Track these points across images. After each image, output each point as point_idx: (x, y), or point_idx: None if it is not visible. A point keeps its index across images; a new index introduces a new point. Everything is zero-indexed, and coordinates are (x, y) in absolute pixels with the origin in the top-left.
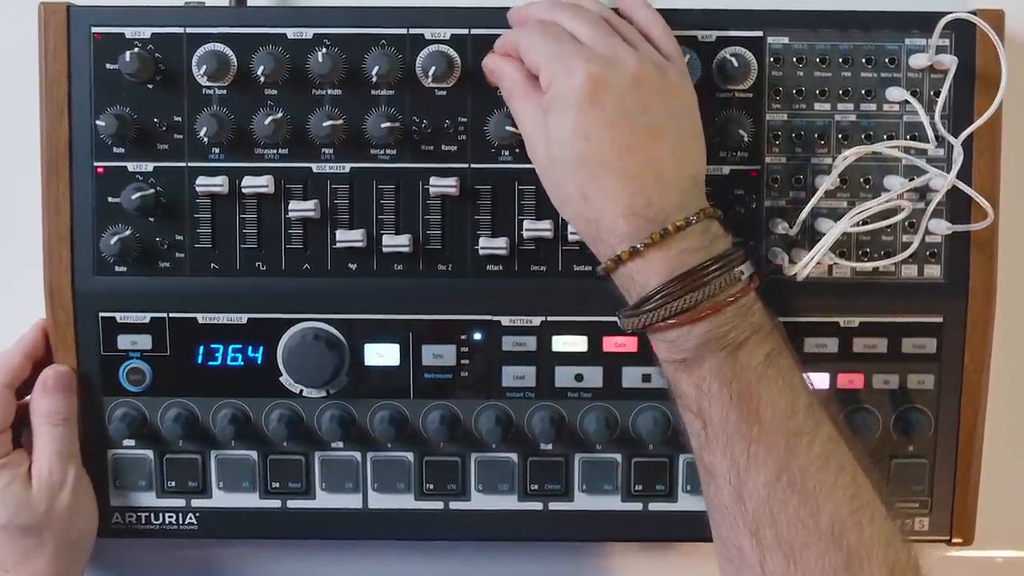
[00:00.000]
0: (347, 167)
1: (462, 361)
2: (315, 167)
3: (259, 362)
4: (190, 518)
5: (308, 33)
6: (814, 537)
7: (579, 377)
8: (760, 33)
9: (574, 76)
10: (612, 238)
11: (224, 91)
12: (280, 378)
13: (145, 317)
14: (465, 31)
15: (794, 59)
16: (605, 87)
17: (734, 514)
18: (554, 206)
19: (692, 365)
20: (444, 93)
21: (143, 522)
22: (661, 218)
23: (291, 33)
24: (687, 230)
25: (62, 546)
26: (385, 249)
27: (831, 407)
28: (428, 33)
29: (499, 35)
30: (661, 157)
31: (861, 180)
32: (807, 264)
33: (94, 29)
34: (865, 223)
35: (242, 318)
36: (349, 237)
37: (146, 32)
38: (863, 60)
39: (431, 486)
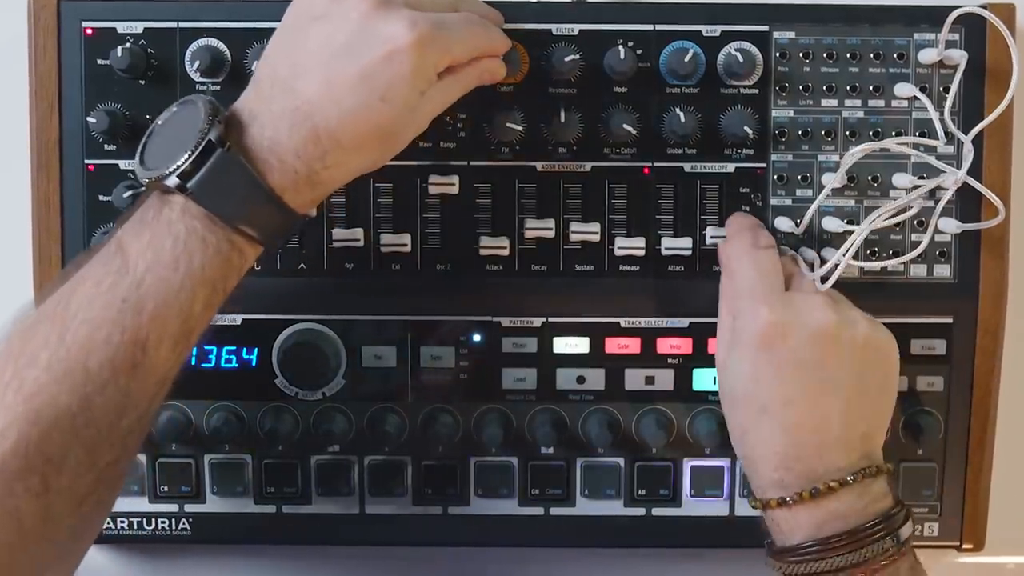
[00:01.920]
0: None
1: (461, 363)
2: None
3: (254, 364)
4: (183, 524)
5: None
6: None
7: (581, 379)
8: (766, 28)
9: (757, 320)
10: (762, 481)
11: (218, 87)
12: (275, 380)
13: None
14: None
15: (800, 54)
16: (782, 336)
17: None
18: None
19: None
20: None
21: (135, 528)
22: (812, 476)
23: None
24: (840, 491)
25: None
26: (383, 248)
27: None
28: None
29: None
30: (827, 414)
31: (869, 178)
32: (832, 273)
33: (85, 24)
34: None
35: (236, 319)
36: (346, 236)
37: (138, 27)
38: (871, 55)
39: (429, 490)
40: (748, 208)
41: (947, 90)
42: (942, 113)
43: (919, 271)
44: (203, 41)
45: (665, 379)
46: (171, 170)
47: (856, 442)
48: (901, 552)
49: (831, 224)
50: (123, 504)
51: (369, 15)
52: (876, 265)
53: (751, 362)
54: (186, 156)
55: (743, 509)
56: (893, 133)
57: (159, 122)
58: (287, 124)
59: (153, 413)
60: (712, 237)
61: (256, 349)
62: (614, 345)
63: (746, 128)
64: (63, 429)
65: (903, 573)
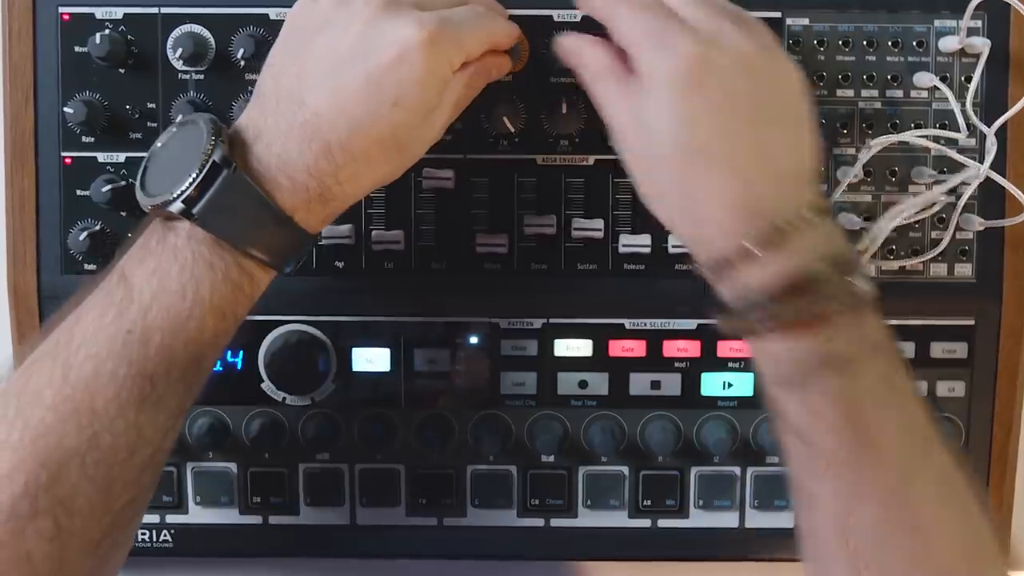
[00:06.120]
0: None
1: (457, 367)
2: None
3: (239, 367)
4: (164, 535)
5: None
6: None
7: (583, 384)
8: (778, 14)
9: (675, 55)
10: (717, 236)
11: (201, 76)
12: (262, 384)
13: None
14: None
15: (815, 42)
16: (710, 68)
17: (834, 550)
18: (644, 203)
19: (799, 384)
20: None
21: None
22: (775, 215)
23: (273, 13)
24: (804, 229)
25: None
26: (375, 246)
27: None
28: None
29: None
30: (776, 147)
31: (887, 172)
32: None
33: (61, 9)
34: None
35: None
36: (336, 233)
37: (117, 12)
38: (889, 43)
39: (423, 500)
40: None
41: (969, 80)
42: (964, 104)
43: (939, 270)
44: (186, 27)
45: (672, 383)
46: (175, 195)
47: (805, 176)
48: (865, 296)
49: (847, 220)
50: None
51: (374, 18)
52: (894, 264)
53: (680, 105)
54: (190, 180)
55: (753, 520)
56: (912, 125)
57: (158, 144)
58: (296, 140)
59: (168, 450)
60: None
61: (241, 352)
62: (618, 348)
63: None
64: (73, 470)
65: (864, 321)
